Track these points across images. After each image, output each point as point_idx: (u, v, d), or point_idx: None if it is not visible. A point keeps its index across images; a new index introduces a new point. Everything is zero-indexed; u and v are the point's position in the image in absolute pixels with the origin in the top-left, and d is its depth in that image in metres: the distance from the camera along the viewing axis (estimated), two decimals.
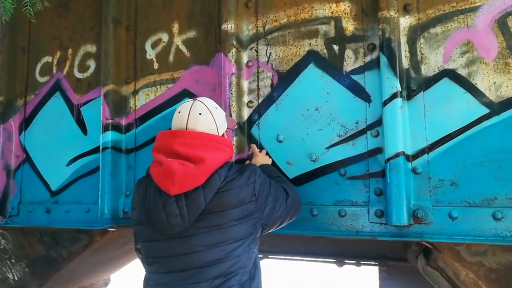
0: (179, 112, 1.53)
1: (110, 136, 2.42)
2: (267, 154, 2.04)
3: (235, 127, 2.01)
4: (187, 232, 1.39)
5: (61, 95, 2.80)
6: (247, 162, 1.97)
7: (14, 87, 3.01)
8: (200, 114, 1.49)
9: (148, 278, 1.50)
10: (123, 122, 2.51)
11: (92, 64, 2.70)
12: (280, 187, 1.63)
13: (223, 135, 1.60)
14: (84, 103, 2.69)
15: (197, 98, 1.57)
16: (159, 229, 1.40)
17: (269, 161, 1.98)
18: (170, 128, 1.55)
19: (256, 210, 1.47)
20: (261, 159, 1.95)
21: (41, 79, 2.92)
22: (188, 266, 1.38)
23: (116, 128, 2.47)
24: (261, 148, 2.08)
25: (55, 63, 2.86)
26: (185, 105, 1.54)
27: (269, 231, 1.60)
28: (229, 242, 1.40)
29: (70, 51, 2.81)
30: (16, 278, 3.13)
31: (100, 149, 2.44)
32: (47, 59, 2.91)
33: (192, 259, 1.38)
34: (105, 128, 2.43)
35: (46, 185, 2.79)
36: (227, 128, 1.66)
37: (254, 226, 1.48)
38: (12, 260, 3.12)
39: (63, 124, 2.76)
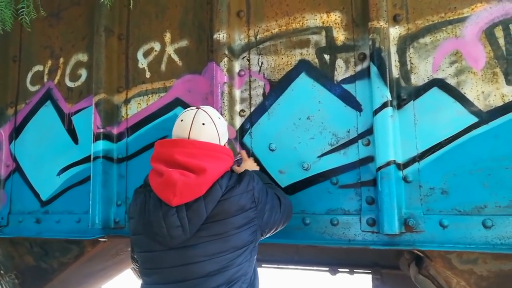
0: (181, 120, 1.50)
1: (101, 145, 2.41)
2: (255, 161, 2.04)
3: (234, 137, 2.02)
4: (188, 242, 1.36)
5: (52, 104, 2.78)
6: (235, 166, 1.98)
7: (5, 96, 2.98)
8: (203, 124, 1.47)
9: None
10: (115, 131, 2.50)
11: (83, 73, 2.69)
12: (274, 195, 1.63)
13: (224, 145, 1.59)
14: (75, 112, 2.68)
15: (201, 106, 1.54)
16: (160, 240, 1.38)
17: (257, 168, 1.98)
18: (167, 136, 1.53)
19: (256, 217, 1.46)
20: (250, 165, 1.95)
21: (32, 88, 2.90)
22: (189, 276, 1.36)
23: (108, 137, 2.45)
24: (252, 156, 2.08)
25: (46, 72, 2.85)
26: (188, 113, 1.51)
27: (264, 237, 1.60)
28: (230, 251, 1.39)
29: (61, 60, 2.79)
30: None
31: (91, 159, 2.42)
32: (38, 68, 2.89)
33: (194, 270, 1.36)
34: (97, 137, 2.42)
35: (36, 194, 2.76)
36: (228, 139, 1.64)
37: (254, 233, 1.47)
38: (1, 271, 3.06)
39: (54, 133, 2.73)
